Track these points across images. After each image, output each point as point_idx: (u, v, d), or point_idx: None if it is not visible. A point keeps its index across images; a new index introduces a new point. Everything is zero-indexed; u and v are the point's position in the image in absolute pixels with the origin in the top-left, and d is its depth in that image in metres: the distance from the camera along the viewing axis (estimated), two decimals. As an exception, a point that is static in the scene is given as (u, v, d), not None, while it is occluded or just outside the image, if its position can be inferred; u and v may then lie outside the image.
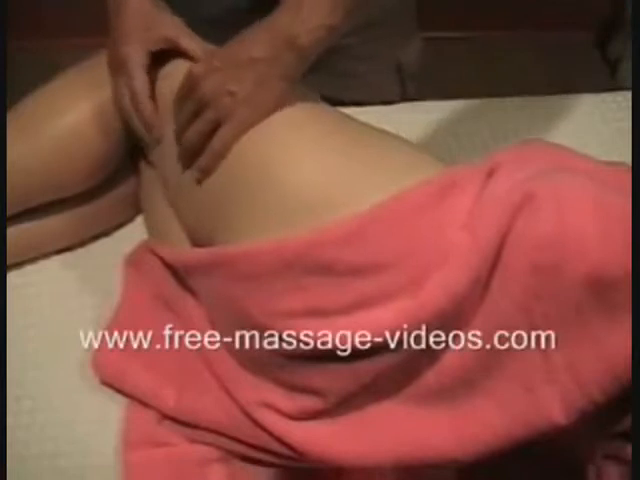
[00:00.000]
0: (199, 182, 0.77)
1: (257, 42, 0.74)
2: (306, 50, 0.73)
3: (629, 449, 0.62)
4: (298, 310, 0.67)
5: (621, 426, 0.63)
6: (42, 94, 0.87)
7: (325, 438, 0.71)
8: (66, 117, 0.84)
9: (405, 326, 0.63)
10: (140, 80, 0.79)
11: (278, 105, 0.75)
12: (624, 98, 1.15)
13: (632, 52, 0.71)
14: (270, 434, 0.72)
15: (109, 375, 0.83)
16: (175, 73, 0.80)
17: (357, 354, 0.65)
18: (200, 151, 0.76)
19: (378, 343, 0.64)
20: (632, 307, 0.58)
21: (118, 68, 0.80)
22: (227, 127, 0.74)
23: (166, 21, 0.81)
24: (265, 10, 0.89)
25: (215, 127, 0.74)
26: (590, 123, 1.12)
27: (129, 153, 0.90)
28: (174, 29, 0.81)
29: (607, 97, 1.16)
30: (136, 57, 0.79)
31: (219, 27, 0.79)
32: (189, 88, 0.75)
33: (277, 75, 0.73)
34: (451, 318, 0.63)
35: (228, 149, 0.74)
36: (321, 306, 0.67)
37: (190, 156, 0.77)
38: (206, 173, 0.76)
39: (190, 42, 0.81)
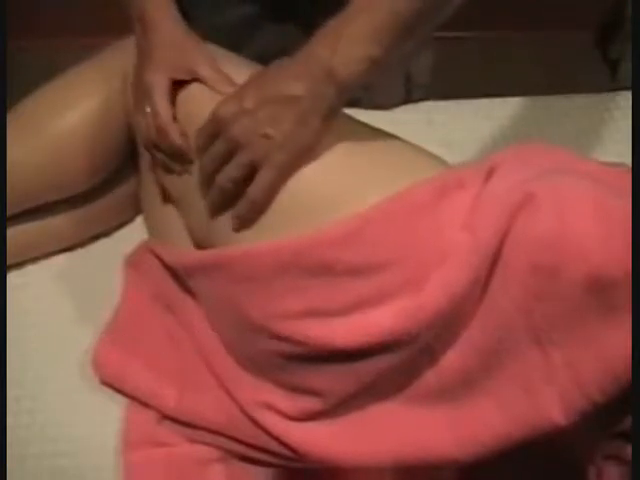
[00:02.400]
0: (237, 230, 0.71)
1: (293, 78, 0.68)
2: (347, 84, 0.67)
3: (629, 449, 0.62)
4: (297, 311, 0.67)
5: (621, 426, 0.63)
6: (42, 94, 0.87)
7: (325, 438, 0.71)
8: (66, 117, 0.85)
9: (405, 326, 0.63)
10: (165, 109, 0.75)
11: (316, 143, 0.69)
12: (624, 98, 1.15)
13: (632, 52, 0.71)
14: (270, 434, 0.72)
15: (109, 375, 0.83)
16: (195, 99, 0.76)
17: (357, 355, 0.65)
18: (234, 196, 0.70)
19: (378, 344, 0.64)
20: (632, 307, 0.58)
21: (142, 95, 0.77)
22: (266, 174, 0.68)
23: (195, 52, 0.77)
24: (278, 17, 0.89)
25: (250, 171, 0.69)
26: (590, 123, 1.12)
27: (129, 153, 0.90)
28: (201, 60, 0.77)
29: (607, 97, 1.16)
30: (160, 85, 0.75)
31: (233, 34, 0.79)
32: (217, 129, 0.70)
33: (317, 113, 0.68)
34: (451, 318, 0.63)
35: (268, 197, 0.69)
36: (320, 307, 0.66)
37: (223, 201, 0.72)
38: (245, 222, 0.70)
39: (215, 77, 0.76)
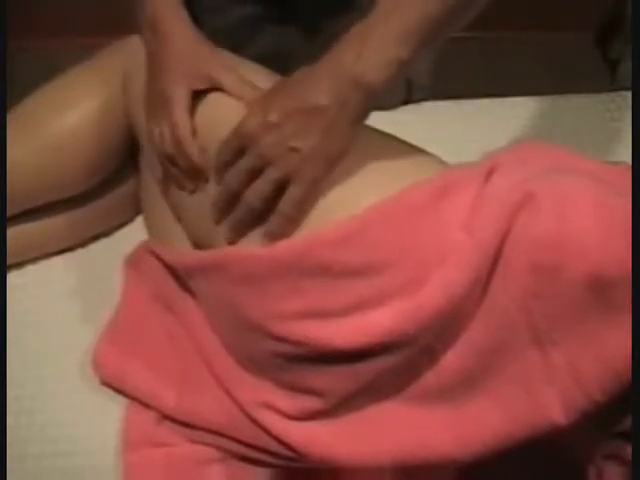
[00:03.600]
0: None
1: (318, 86, 0.66)
2: (374, 89, 0.65)
3: (629, 449, 0.62)
4: (296, 312, 0.67)
5: (621, 426, 0.63)
6: (42, 94, 0.87)
7: (325, 438, 0.70)
8: (66, 117, 0.84)
9: (404, 327, 0.63)
10: (184, 122, 0.73)
11: (347, 150, 0.68)
12: (624, 98, 1.15)
13: (632, 52, 0.71)
14: (270, 434, 0.72)
15: (109, 375, 0.83)
16: (216, 113, 0.74)
17: (356, 355, 0.65)
18: (263, 213, 0.68)
19: (377, 344, 0.64)
20: (632, 307, 0.58)
21: (159, 106, 0.75)
22: (297, 188, 0.66)
23: (212, 59, 0.76)
24: (278, 19, 0.88)
25: (279, 187, 0.67)
26: (590, 123, 1.12)
27: (129, 153, 0.90)
28: (219, 67, 0.75)
29: (607, 97, 1.16)
30: (179, 97, 0.73)
31: (233, 36, 0.78)
32: (243, 145, 0.68)
33: (345, 121, 0.66)
34: (451, 318, 0.63)
35: (300, 211, 0.67)
36: (320, 308, 0.66)
37: (250, 219, 0.69)
38: (278, 238, 0.68)
39: (236, 83, 0.74)
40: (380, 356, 0.65)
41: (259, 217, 0.69)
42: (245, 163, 0.68)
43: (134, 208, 0.96)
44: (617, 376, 0.59)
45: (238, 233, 0.71)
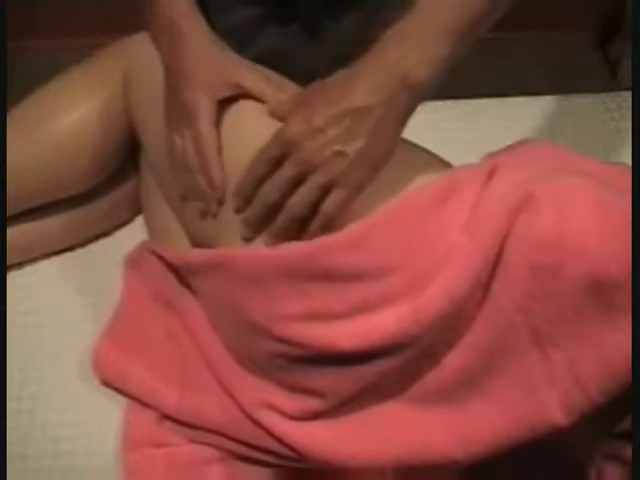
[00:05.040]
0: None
1: (363, 87, 0.64)
2: (420, 87, 0.64)
3: (629, 449, 0.62)
4: (299, 314, 0.67)
5: (621, 426, 0.63)
6: (42, 94, 0.87)
7: (326, 439, 0.70)
8: (67, 117, 0.84)
9: (407, 330, 0.63)
10: (210, 135, 0.71)
11: (393, 152, 0.66)
12: (624, 98, 1.15)
13: (632, 52, 0.71)
14: (271, 434, 0.72)
15: (109, 375, 0.83)
16: (242, 122, 0.73)
17: (359, 357, 0.65)
18: (306, 219, 0.67)
19: (380, 347, 0.64)
20: (632, 307, 0.58)
21: (181, 116, 0.73)
22: (342, 191, 0.65)
23: (234, 64, 0.74)
24: (280, 19, 0.87)
25: (324, 192, 0.66)
26: (590, 123, 1.12)
27: (129, 153, 0.90)
28: (242, 72, 0.73)
29: (607, 97, 1.16)
30: (205, 108, 0.71)
31: (234, 37, 0.77)
32: (285, 152, 0.66)
33: (392, 121, 0.65)
34: (452, 320, 0.63)
35: (342, 212, 0.66)
36: (323, 310, 0.66)
37: (292, 229, 0.68)
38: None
39: (264, 87, 0.72)
40: (383, 358, 0.65)
41: (302, 224, 0.67)
42: (288, 171, 0.66)
43: (134, 208, 0.96)
44: (617, 376, 0.59)
45: (278, 241, 0.69)
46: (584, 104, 1.15)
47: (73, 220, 0.92)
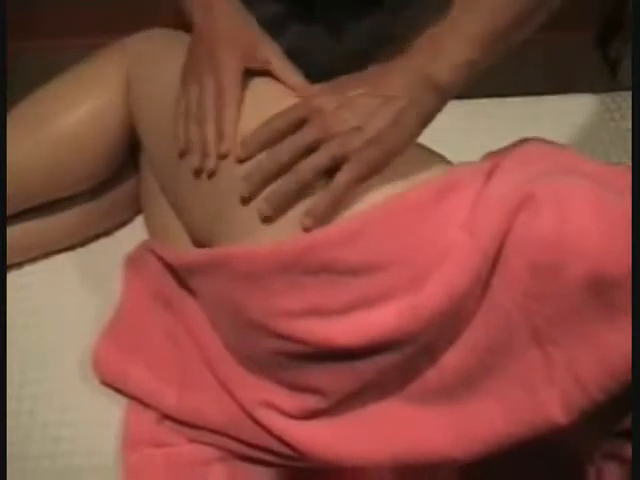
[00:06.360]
0: (307, 230, 0.67)
1: (392, 81, 0.67)
2: (446, 89, 0.67)
3: (629, 448, 0.62)
4: (298, 310, 0.67)
5: (621, 425, 0.63)
6: (42, 94, 0.87)
7: (326, 437, 0.70)
8: (67, 117, 0.85)
9: (406, 326, 0.63)
10: (233, 90, 0.72)
11: (408, 146, 0.68)
12: (624, 98, 1.15)
13: (632, 52, 0.71)
14: (271, 433, 0.72)
15: (110, 375, 0.83)
16: (264, 94, 0.75)
17: (358, 353, 0.65)
18: (308, 187, 0.68)
19: (379, 343, 0.64)
20: (632, 307, 0.58)
21: (206, 67, 0.74)
22: (352, 166, 0.66)
23: (266, 42, 0.77)
24: (303, 18, 0.88)
25: (334, 165, 0.66)
26: (590, 123, 1.12)
27: (129, 153, 0.90)
28: (273, 51, 0.76)
29: (607, 97, 1.16)
30: (233, 67, 0.73)
31: None
32: (308, 116, 0.68)
33: (414, 117, 0.67)
34: (451, 317, 0.63)
35: (350, 192, 0.67)
36: (321, 306, 0.66)
37: (294, 194, 0.68)
38: (321, 219, 0.67)
39: (289, 68, 0.75)
40: (381, 354, 0.65)
41: (301, 194, 0.68)
42: (305, 135, 0.67)
43: (134, 208, 0.96)
44: (617, 376, 0.59)
45: (277, 209, 0.68)
46: (584, 104, 1.15)
47: (73, 220, 0.92)
